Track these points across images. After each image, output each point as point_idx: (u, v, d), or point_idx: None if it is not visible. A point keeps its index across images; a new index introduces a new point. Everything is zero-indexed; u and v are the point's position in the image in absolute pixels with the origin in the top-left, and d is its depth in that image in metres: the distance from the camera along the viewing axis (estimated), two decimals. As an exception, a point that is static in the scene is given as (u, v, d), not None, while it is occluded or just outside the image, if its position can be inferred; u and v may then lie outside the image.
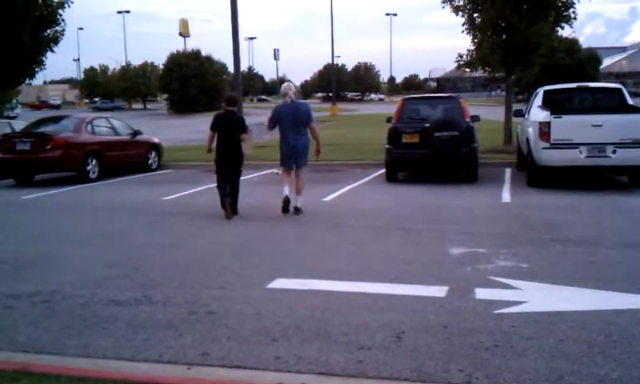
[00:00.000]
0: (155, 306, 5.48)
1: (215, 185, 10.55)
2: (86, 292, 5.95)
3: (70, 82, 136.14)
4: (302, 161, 10.41)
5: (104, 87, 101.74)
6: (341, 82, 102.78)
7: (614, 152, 11.86)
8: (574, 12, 18.51)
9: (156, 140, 18.81)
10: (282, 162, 10.54)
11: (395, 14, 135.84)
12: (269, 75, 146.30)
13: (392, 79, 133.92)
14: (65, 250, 8.04)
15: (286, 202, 10.16)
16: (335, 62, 74.89)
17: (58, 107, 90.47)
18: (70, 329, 4.98)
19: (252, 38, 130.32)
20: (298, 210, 10.24)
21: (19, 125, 18.41)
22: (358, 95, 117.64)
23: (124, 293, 5.88)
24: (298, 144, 10.23)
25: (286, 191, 10.25)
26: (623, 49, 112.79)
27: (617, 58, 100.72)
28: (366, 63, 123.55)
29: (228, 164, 10.38)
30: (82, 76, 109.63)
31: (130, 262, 7.12)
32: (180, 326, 4.95)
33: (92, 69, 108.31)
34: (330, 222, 9.56)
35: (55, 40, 21.53)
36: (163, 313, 5.28)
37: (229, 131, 10.40)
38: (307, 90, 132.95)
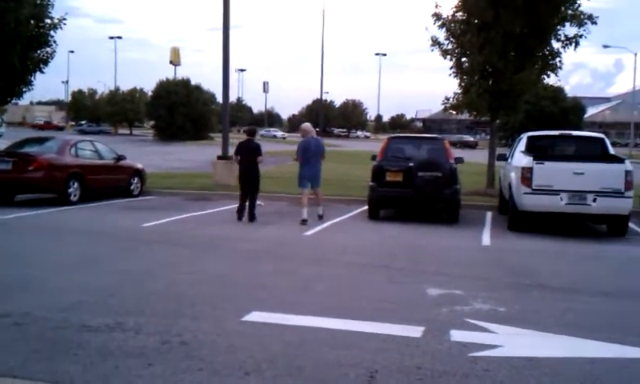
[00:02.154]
0: (127, 333, 5.40)
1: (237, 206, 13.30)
2: (58, 316, 5.86)
3: (58, 103, 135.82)
4: (317, 182, 13.54)
5: (91, 111, 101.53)
6: (328, 118, 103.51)
7: (595, 200, 11.97)
8: (560, 61, 18.82)
9: (139, 166, 18.73)
10: (300, 184, 13.42)
11: (385, 54, 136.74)
12: (257, 107, 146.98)
13: (379, 117, 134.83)
14: (40, 272, 7.92)
15: (304, 222, 12.73)
16: (324, 98, 75.35)
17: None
18: (38, 352, 4.89)
19: (242, 70, 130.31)
20: (320, 217, 13.37)
21: (2, 144, 18.26)
22: (344, 131, 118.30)
23: (97, 319, 5.79)
24: (316, 169, 13.42)
25: (305, 214, 12.88)
26: (607, 99, 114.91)
27: (601, 107, 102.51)
28: (354, 100, 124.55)
29: (248, 180, 13.11)
30: (70, 98, 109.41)
31: (105, 288, 7.04)
32: (151, 355, 4.88)
33: (80, 92, 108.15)
34: (310, 257, 9.53)
35: (45, 61, 21.44)
36: (135, 341, 5.21)
37: (248, 155, 13.15)
38: (295, 124, 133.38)
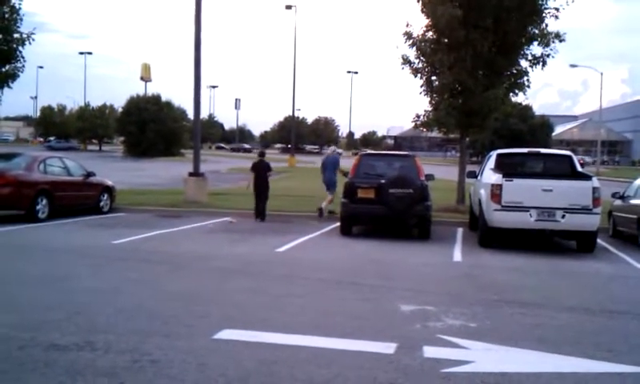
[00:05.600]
0: (97, 352, 5.32)
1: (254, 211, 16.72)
2: (25, 335, 5.74)
3: (26, 119, 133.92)
4: (328, 186, 17.75)
5: (60, 127, 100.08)
6: (300, 135, 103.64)
7: (563, 217, 12.14)
8: (527, 79, 19.12)
9: (109, 182, 18.53)
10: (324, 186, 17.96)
11: (356, 72, 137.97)
12: (229, 124, 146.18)
13: (351, 134, 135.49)
14: (5, 290, 7.77)
15: (320, 210, 17.00)
16: (296, 115, 75.48)
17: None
18: (5, 373, 4.79)
19: (214, 87, 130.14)
20: (320, 210, 16.94)
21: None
22: (316, 148, 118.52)
23: (65, 337, 5.70)
24: (329, 178, 17.81)
25: (321, 205, 17.14)
26: (574, 117, 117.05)
27: (568, 126, 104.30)
28: (325, 117, 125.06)
29: (261, 190, 16.73)
30: (39, 114, 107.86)
31: (73, 306, 6.92)
32: (121, 374, 4.81)
33: (49, 107, 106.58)
34: (282, 274, 9.50)
35: (13, 76, 21.17)
36: (105, 360, 5.13)
37: (261, 171, 16.97)
38: (267, 140, 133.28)
